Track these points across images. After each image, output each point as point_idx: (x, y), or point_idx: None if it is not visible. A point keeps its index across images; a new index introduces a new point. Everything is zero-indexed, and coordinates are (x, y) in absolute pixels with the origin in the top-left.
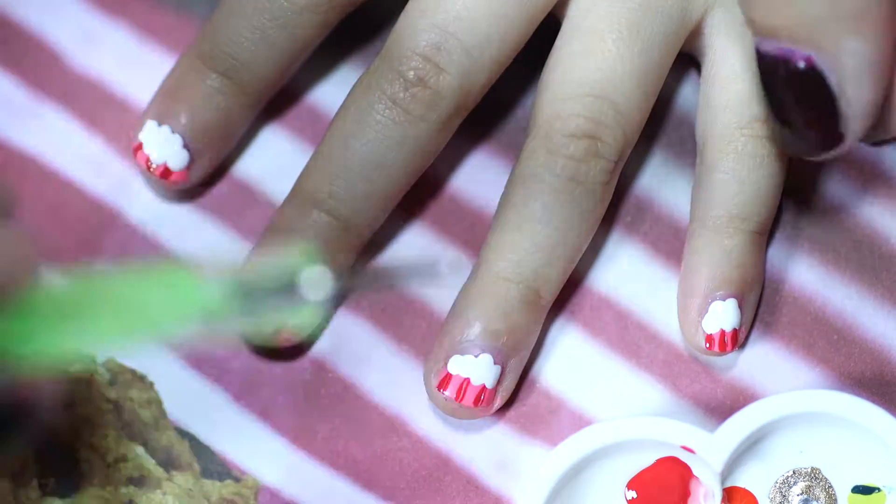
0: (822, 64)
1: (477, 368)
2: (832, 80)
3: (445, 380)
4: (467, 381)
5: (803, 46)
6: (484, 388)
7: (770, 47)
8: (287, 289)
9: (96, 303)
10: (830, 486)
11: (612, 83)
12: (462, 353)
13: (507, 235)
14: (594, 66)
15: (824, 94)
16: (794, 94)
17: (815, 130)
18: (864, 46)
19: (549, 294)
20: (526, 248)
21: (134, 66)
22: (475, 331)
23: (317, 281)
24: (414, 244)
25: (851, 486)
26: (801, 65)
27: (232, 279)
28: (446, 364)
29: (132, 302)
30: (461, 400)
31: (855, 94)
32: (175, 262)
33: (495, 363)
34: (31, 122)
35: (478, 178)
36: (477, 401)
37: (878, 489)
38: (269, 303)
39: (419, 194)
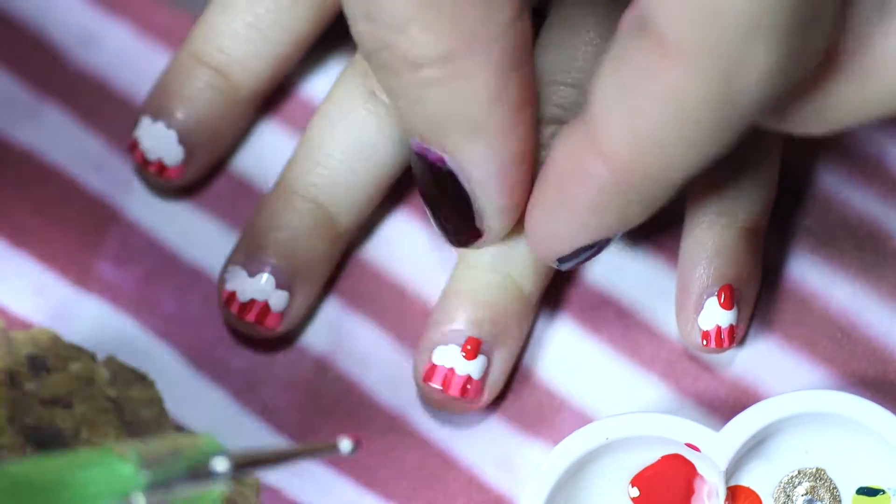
0: (453, 167)
1: (461, 358)
2: (464, 182)
3: (430, 371)
4: (451, 371)
5: (435, 149)
6: (469, 378)
7: (413, 140)
8: (192, 474)
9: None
10: (835, 487)
11: (586, 73)
12: (445, 344)
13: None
14: (568, 57)
15: (459, 192)
16: (436, 186)
17: (455, 222)
18: (485, 155)
19: (532, 285)
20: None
21: (134, 63)
22: (458, 321)
23: (218, 466)
24: (415, 241)
25: (856, 488)
26: (436, 163)
27: (140, 466)
28: (431, 355)
29: (52, 481)
30: (447, 390)
31: (486, 199)
32: (95, 449)
33: (480, 353)
34: (32, 119)
35: None
36: (463, 391)
37: (883, 491)
38: (175, 486)
39: (413, 188)
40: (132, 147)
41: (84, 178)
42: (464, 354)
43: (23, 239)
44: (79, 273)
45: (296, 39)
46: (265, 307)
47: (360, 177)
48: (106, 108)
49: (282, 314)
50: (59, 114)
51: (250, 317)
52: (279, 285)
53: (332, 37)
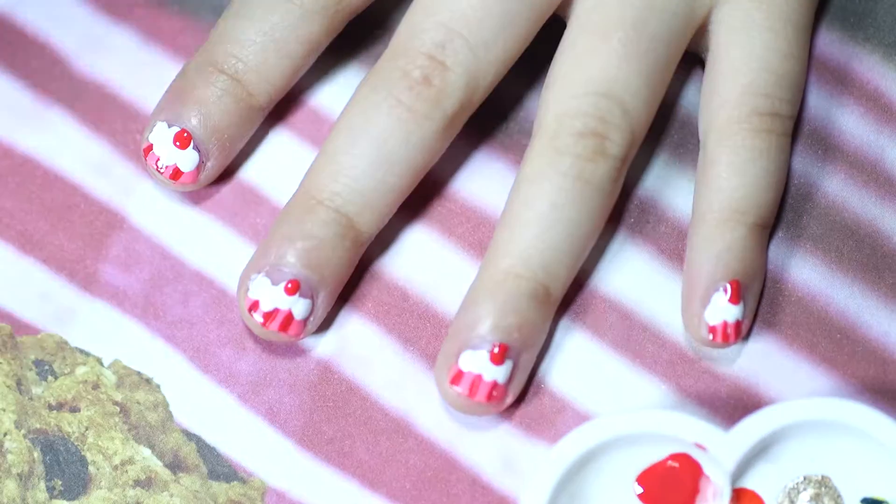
0: None
1: (488, 364)
2: None
3: (457, 376)
4: (479, 377)
5: None
6: (496, 383)
7: None
8: None
9: None
10: (839, 496)
11: (619, 82)
12: (474, 349)
13: (516, 233)
14: (600, 65)
15: None
16: None
17: None
18: None
19: (558, 290)
20: (535, 246)
21: (138, 69)
22: (486, 326)
23: None
24: (418, 244)
25: (860, 498)
26: None
27: None
28: (458, 360)
29: None
30: (474, 396)
31: None
32: None
33: (507, 358)
34: (37, 125)
35: (481, 179)
36: (489, 397)
37: (887, 502)
38: None
39: (423, 195)
40: (146, 151)
41: (89, 184)
42: (491, 360)
43: (29, 245)
44: (85, 278)
45: (309, 49)
46: (289, 316)
47: (384, 185)
48: (110, 114)
49: (304, 322)
50: (64, 119)
51: (275, 326)
52: (303, 294)
53: (340, 44)
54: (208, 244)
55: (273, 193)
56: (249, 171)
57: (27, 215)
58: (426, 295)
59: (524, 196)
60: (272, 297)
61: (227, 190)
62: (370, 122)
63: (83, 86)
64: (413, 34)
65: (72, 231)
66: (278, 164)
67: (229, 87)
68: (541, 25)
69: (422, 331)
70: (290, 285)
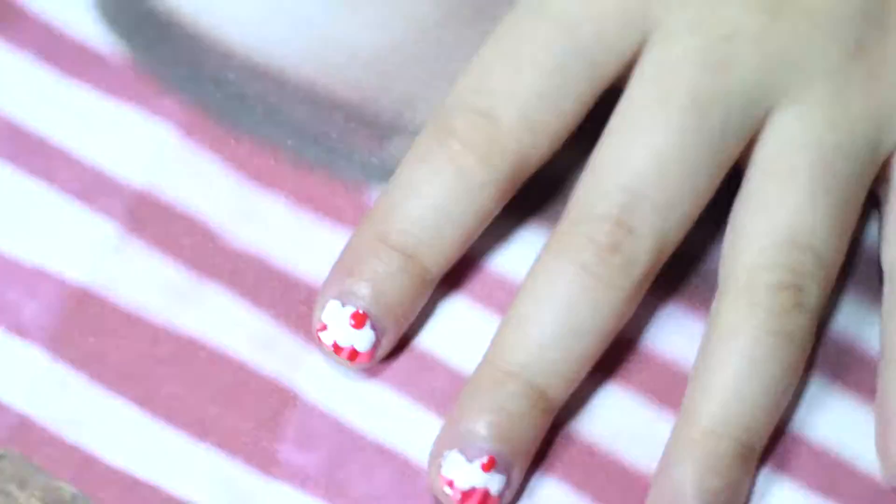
0: None
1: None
2: None
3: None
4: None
5: None
6: (487, 493)
7: None
8: None
9: None
10: None
11: (809, 230)
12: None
13: (714, 392)
14: (789, 213)
15: None
16: None
17: None
18: None
19: (759, 446)
20: (733, 405)
21: (290, 236)
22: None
23: None
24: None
25: None
26: None
27: None
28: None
29: None
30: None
31: None
32: None
33: (496, 470)
34: (196, 304)
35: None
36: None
37: None
38: None
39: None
40: (320, 331)
41: (256, 361)
42: (482, 469)
43: (202, 430)
44: (263, 460)
45: (483, 220)
46: (486, 493)
47: (572, 354)
48: (267, 285)
49: (500, 497)
50: (223, 295)
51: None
52: (498, 470)
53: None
54: (384, 412)
55: (450, 358)
56: (423, 337)
57: (196, 400)
58: (613, 448)
59: (719, 353)
60: (467, 474)
61: (401, 357)
62: (557, 291)
63: (237, 258)
64: (595, 198)
65: (244, 412)
66: (451, 328)
67: (403, 265)
68: (726, 173)
69: (612, 489)
70: (486, 461)
